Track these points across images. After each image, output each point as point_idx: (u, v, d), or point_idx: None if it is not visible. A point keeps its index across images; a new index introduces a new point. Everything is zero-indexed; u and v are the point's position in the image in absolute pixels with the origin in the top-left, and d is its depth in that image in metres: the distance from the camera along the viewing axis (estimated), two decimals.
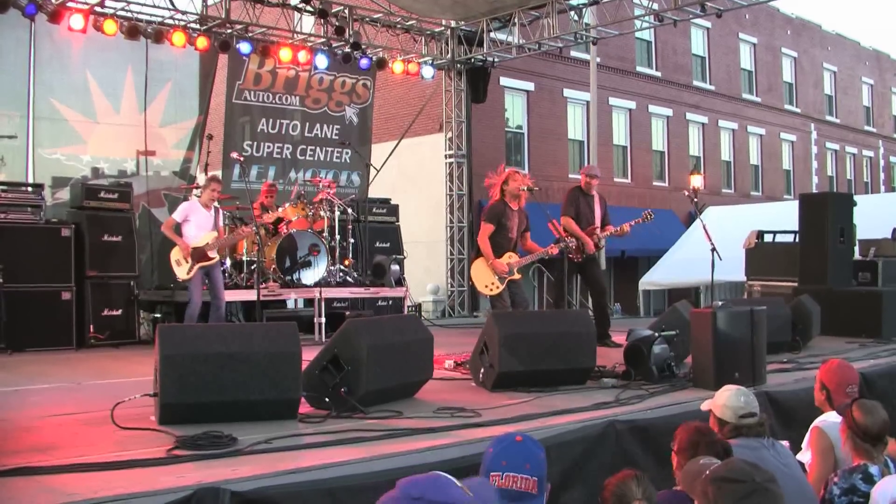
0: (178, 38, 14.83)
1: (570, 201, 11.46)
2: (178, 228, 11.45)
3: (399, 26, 18.96)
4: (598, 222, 11.49)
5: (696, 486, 3.24)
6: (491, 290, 10.13)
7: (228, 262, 12.97)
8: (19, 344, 11.42)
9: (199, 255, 11.29)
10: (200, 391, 5.80)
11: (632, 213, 11.87)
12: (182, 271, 11.37)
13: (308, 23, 20.43)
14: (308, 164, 17.79)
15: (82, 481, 4.38)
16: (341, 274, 13.70)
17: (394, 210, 16.97)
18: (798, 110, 38.98)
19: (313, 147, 17.89)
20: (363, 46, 17.18)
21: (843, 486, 4.58)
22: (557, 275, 11.33)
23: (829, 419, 5.42)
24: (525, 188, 10.34)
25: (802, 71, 39.40)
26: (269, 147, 17.22)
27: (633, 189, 29.65)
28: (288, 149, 17.49)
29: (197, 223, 11.44)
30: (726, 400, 4.81)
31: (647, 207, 27.50)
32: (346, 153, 18.19)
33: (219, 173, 13.16)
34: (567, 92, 28.43)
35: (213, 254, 11.43)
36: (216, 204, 11.74)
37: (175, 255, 11.42)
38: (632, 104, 30.77)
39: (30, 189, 12.57)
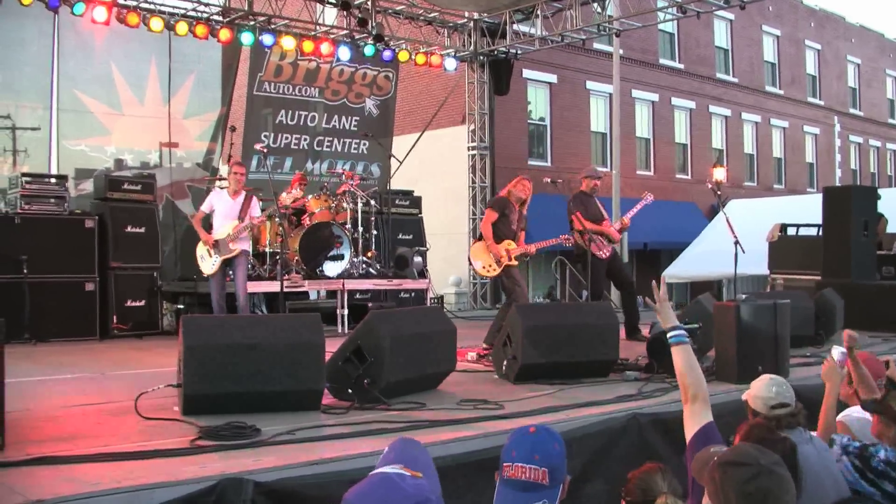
0: (201, 29, 14.86)
1: (577, 206, 11.39)
2: (207, 221, 11.33)
3: (422, 18, 18.95)
4: (607, 217, 11.55)
5: (704, 474, 3.23)
6: (488, 271, 10.43)
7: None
8: (43, 334, 11.51)
9: (221, 247, 11.05)
10: (224, 382, 5.82)
11: (651, 206, 11.82)
12: (206, 266, 11.20)
13: (331, 15, 20.43)
14: (326, 155, 17.83)
15: (106, 471, 4.40)
16: (364, 266, 13.70)
17: (416, 202, 16.95)
18: (821, 103, 38.71)
19: (331, 138, 17.92)
20: (386, 38, 17.16)
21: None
22: (593, 274, 11.38)
23: (853, 414, 5.37)
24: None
25: (826, 63, 39.13)
26: (286, 138, 17.25)
27: (656, 182, 29.52)
28: (305, 140, 17.53)
29: (222, 213, 11.20)
30: (758, 390, 4.75)
31: (669, 200, 27.50)
32: (364, 144, 18.20)
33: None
34: (590, 84, 28.35)
35: (236, 245, 11.03)
36: (253, 193, 11.50)
37: (200, 249, 11.26)
38: (654, 96, 30.66)
39: (54, 180, 12.63)
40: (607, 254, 11.26)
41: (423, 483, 2.43)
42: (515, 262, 10.43)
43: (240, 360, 5.86)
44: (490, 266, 10.32)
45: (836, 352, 5.43)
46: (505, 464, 3.22)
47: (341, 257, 13.14)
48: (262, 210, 11.57)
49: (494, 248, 10.21)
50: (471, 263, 10.94)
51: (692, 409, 4.18)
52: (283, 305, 11.69)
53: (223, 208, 11.21)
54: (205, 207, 11.36)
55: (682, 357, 4.30)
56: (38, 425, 5.69)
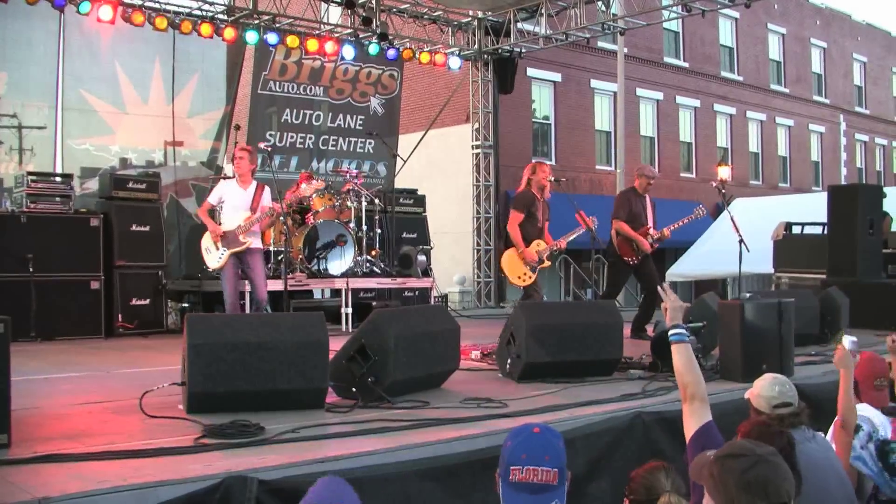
0: (206, 28, 14.88)
1: (622, 204, 11.34)
2: (213, 213, 10.82)
3: (426, 17, 18.93)
4: (650, 222, 11.39)
5: (703, 473, 3.25)
6: (524, 280, 10.11)
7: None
8: (49, 332, 11.58)
9: (230, 239, 10.38)
10: (228, 380, 5.82)
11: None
12: (212, 259, 10.59)
13: (335, 14, 20.43)
14: (331, 154, 17.86)
15: (112, 468, 4.42)
16: (368, 264, 13.71)
17: (421, 201, 16.97)
18: (827, 101, 38.68)
19: (336, 137, 17.95)
20: (390, 37, 17.15)
21: None
22: (611, 275, 11.34)
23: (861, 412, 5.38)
24: (552, 179, 10.37)
25: (832, 61, 39.09)
26: (292, 137, 17.28)
27: (661, 180, 29.33)
28: (311, 139, 17.57)
29: (232, 204, 10.49)
30: (761, 389, 4.76)
31: (673, 199, 27.45)
32: (370, 143, 18.23)
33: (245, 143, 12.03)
34: (594, 83, 28.35)
35: (247, 238, 10.36)
36: (264, 184, 10.73)
37: (205, 241, 10.62)
38: (659, 95, 30.65)
39: (59, 179, 12.64)
40: (635, 260, 11.19)
41: None
42: (548, 263, 10.27)
43: (244, 359, 5.86)
44: (525, 275, 10.05)
45: (847, 341, 5.48)
46: (513, 467, 3.14)
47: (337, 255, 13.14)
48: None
49: (528, 255, 9.99)
50: (503, 274, 10.56)
51: (691, 408, 4.20)
52: (288, 304, 11.67)
53: (234, 199, 10.51)
54: (212, 199, 10.76)
55: (682, 356, 4.32)
56: (44, 423, 5.71)
